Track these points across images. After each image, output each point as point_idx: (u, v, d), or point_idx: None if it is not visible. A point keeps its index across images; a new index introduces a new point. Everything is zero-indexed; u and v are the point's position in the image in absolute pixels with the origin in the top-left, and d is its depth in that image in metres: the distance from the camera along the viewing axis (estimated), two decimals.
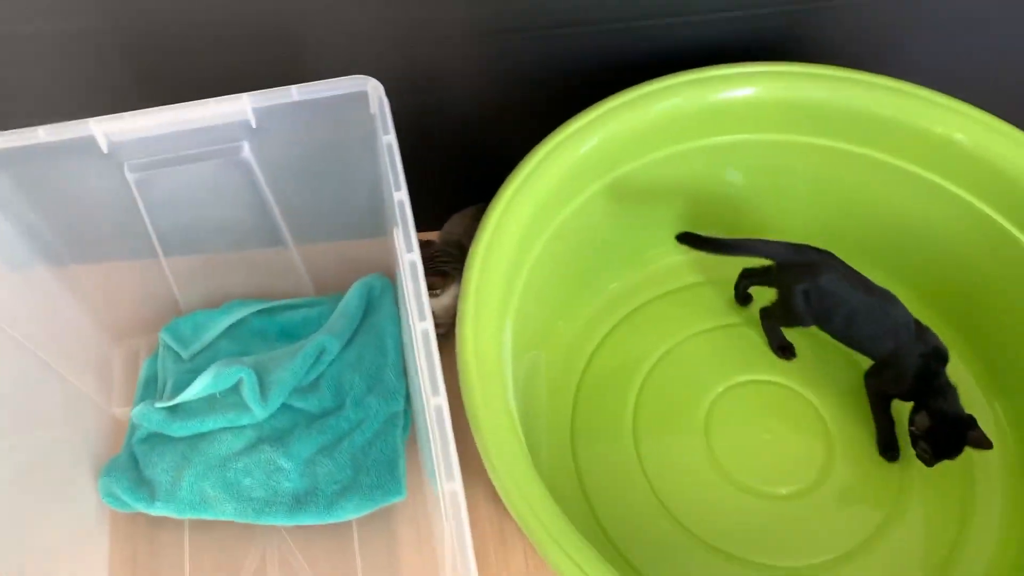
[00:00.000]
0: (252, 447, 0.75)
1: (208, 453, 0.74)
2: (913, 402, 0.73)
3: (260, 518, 0.72)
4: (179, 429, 0.75)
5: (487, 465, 0.59)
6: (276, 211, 0.76)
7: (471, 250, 0.67)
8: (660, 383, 0.81)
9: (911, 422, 0.72)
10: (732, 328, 0.84)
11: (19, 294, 0.72)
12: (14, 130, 0.65)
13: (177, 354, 0.80)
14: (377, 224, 0.79)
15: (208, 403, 0.76)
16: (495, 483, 0.58)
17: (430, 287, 0.77)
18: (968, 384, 0.79)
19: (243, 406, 0.75)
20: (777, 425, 0.79)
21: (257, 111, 0.67)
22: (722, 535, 0.74)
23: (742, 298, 0.84)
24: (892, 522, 0.74)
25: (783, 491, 0.76)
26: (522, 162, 0.70)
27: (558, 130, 0.71)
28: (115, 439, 0.79)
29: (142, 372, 0.82)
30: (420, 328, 0.56)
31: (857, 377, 0.79)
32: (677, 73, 0.74)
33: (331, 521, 0.73)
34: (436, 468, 0.53)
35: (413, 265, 0.59)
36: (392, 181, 0.63)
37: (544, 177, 0.70)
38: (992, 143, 0.71)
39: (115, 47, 0.73)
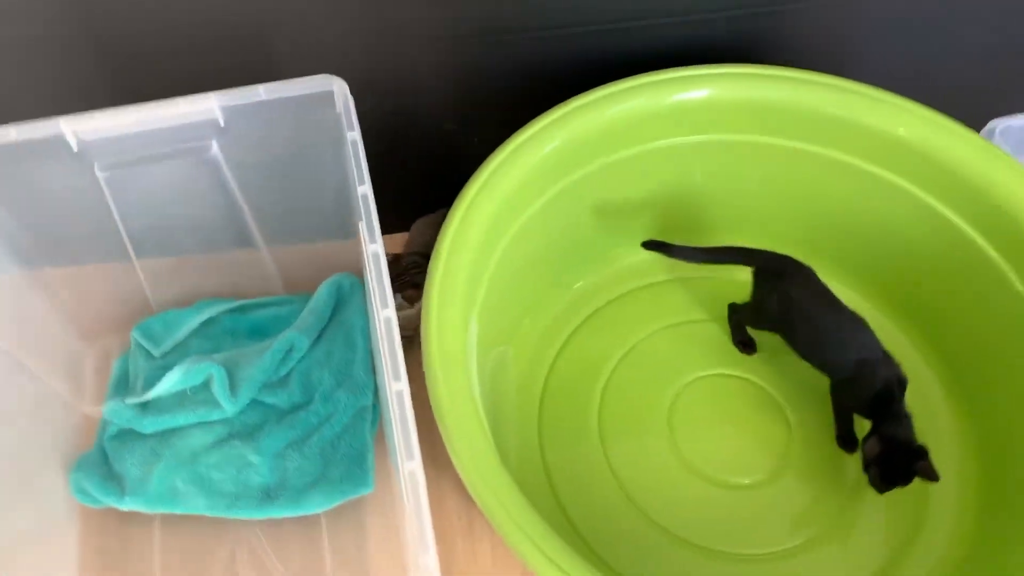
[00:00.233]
0: (222, 442, 0.76)
1: (179, 448, 0.75)
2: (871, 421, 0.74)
3: (230, 512, 0.73)
4: (150, 425, 0.76)
5: (450, 451, 0.60)
6: (245, 210, 0.77)
7: (436, 245, 0.68)
8: (625, 379, 0.83)
9: (862, 447, 0.72)
10: (695, 324, 0.86)
11: None
12: None
13: (148, 352, 0.81)
14: (346, 225, 0.80)
15: (179, 399, 0.77)
16: (458, 469, 0.60)
17: (408, 300, 0.79)
18: (920, 371, 0.81)
19: (213, 402, 0.76)
20: (739, 417, 0.81)
21: (225, 110, 0.68)
22: (689, 526, 0.75)
23: (743, 344, 0.84)
24: (852, 509, 0.76)
25: (746, 481, 0.77)
26: (486, 161, 0.72)
27: (521, 131, 0.73)
28: (86, 437, 0.80)
29: (113, 370, 0.83)
30: (383, 315, 0.57)
31: (814, 371, 0.81)
32: (636, 76, 0.76)
33: (300, 514, 0.74)
34: (396, 452, 0.54)
35: (376, 256, 0.60)
36: (356, 175, 0.64)
37: (508, 176, 0.72)
38: (935, 137, 0.74)
39: (84, 48, 0.74)
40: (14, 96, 0.77)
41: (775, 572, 0.73)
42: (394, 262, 0.81)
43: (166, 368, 0.78)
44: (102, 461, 0.76)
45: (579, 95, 0.74)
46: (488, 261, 0.73)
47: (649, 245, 0.82)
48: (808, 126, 0.77)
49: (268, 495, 0.74)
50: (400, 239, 0.88)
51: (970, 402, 0.80)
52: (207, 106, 0.68)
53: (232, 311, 0.84)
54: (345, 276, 0.84)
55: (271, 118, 0.70)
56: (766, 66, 0.76)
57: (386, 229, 0.65)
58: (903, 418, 0.72)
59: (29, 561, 0.70)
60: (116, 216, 0.74)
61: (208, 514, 0.74)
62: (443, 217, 0.71)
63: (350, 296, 0.84)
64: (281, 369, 0.79)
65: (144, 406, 0.77)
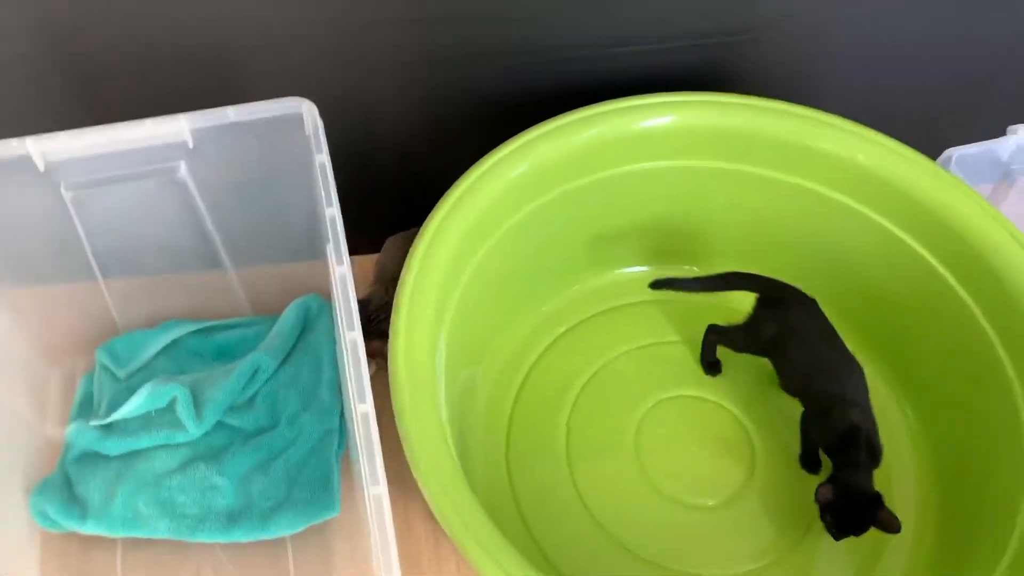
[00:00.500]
0: (187, 464, 0.75)
1: (142, 471, 0.74)
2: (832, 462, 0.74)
3: (194, 535, 0.73)
4: (113, 447, 0.75)
5: (415, 474, 0.60)
6: (213, 232, 0.77)
7: (405, 266, 0.69)
8: (593, 401, 0.84)
9: (816, 493, 0.72)
10: (661, 346, 0.87)
11: None
12: None
13: (113, 373, 0.81)
14: (314, 247, 0.80)
15: (143, 421, 0.76)
16: (424, 491, 0.60)
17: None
18: (879, 390, 0.82)
19: (178, 424, 0.76)
20: (704, 439, 0.82)
21: (194, 132, 0.68)
22: (656, 548, 0.75)
23: (711, 365, 0.84)
24: (814, 532, 0.77)
25: (710, 502, 0.78)
26: (455, 184, 0.72)
27: (489, 155, 0.74)
28: (49, 459, 0.79)
29: (78, 391, 0.82)
30: (348, 337, 0.58)
31: (777, 392, 0.83)
32: (602, 103, 0.77)
33: (265, 537, 0.73)
34: (363, 475, 0.55)
35: (343, 277, 0.61)
36: (324, 198, 0.65)
37: (476, 199, 0.73)
38: (893, 165, 0.76)
39: (53, 69, 0.74)
40: None
41: None
42: (363, 305, 0.81)
43: (131, 389, 0.78)
44: (64, 484, 0.75)
45: (546, 121, 0.76)
46: (456, 282, 0.73)
47: (656, 285, 0.83)
48: (770, 153, 0.79)
49: (233, 518, 0.73)
50: (369, 260, 0.88)
51: (928, 424, 0.82)
52: (176, 127, 0.68)
53: (198, 332, 0.84)
54: (313, 298, 0.84)
55: (240, 140, 0.70)
56: (729, 94, 0.78)
57: (354, 251, 0.65)
58: (861, 466, 0.71)
59: None
60: (82, 236, 0.73)
61: (172, 537, 0.73)
62: (411, 235, 0.72)
63: (317, 318, 0.84)
64: (247, 391, 0.79)
65: (108, 428, 0.76)
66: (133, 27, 0.73)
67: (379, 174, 0.85)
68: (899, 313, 0.82)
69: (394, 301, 0.68)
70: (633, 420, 0.82)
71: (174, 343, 0.83)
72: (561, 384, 0.84)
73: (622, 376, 0.85)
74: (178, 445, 0.76)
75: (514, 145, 0.74)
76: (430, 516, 0.73)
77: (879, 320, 0.83)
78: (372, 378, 0.58)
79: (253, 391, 0.79)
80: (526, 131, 0.75)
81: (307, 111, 0.69)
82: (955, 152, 0.80)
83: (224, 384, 0.77)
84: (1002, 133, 0.81)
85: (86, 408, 0.81)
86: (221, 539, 0.73)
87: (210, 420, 0.76)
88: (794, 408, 0.80)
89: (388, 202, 0.88)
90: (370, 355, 0.60)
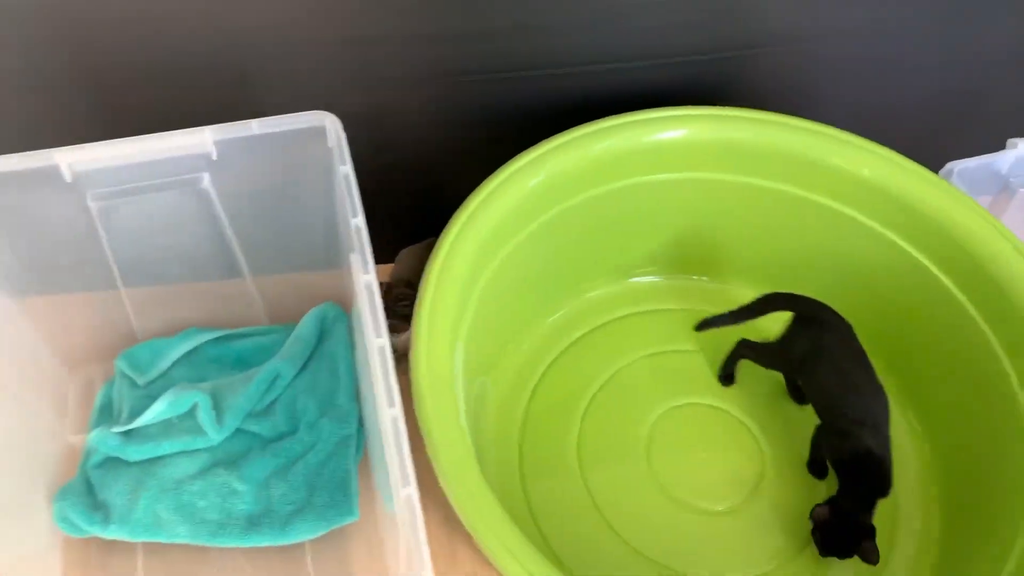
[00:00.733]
0: (207, 470, 0.76)
1: (163, 476, 0.75)
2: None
3: (214, 540, 0.74)
4: (134, 453, 0.76)
5: (439, 474, 0.62)
6: (233, 241, 0.78)
7: (425, 273, 0.70)
8: (603, 409, 0.85)
9: (812, 510, 0.73)
10: (671, 355, 0.89)
11: None
12: None
13: (133, 381, 0.82)
14: (331, 257, 0.82)
15: (164, 428, 0.77)
16: (447, 492, 0.61)
17: (396, 329, 0.78)
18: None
19: (198, 430, 0.77)
20: (714, 445, 0.84)
21: (218, 143, 0.70)
22: (669, 553, 0.77)
23: (727, 376, 0.86)
24: None
25: (721, 507, 0.80)
26: (473, 193, 0.74)
27: (507, 165, 0.76)
28: (69, 466, 0.80)
29: (98, 399, 0.83)
30: (376, 344, 0.59)
31: (786, 400, 0.85)
32: (618, 115, 0.79)
33: (285, 542, 0.74)
34: (392, 477, 0.56)
35: (369, 285, 0.62)
36: (350, 208, 0.66)
37: (493, 208, 0.75)
38: (897, 178, 0.78)
39: (73, 83, 0.76)
40: (9, 128, 0.78)
41: None
42: (386, 292, 0.83)
43: (150, 397, 0.79)
44: (86, 490, 0.76)
45: (560, 133, 0.77)
46: (473, 290, 0.75)
47: (702, 327, 0.85)
48: (778, 166, 0.81)
49: (253, 523, 0.74)
50: (384, 269, 0.90)
51: (931, 430, 0.84)
52: (201, 139, 0.69)
53: (217, 340, 0.85)
54: (329, 306, 0.86)
55: (263, 152, 0.71)
56: (739, 108, 0.80)
57: None
58: (864, 497, 0.72)
59: None
60: (106, 246, 0.75)
61: (192, 542, 0.74)
62: (429, 246, 0.73)
63: (333, 326, 0.85)
64: (266, 398, 0.80)
65: (129, 434, 0.77)
66: (154, 41, 0.74)
67: (394, 187, 0.87)
68: (902, 321, 0.84)
69: (415, 308, 0.69)
70: (644, 427, 0.84)
71: (193, 351, 0.84)
72: (573, 391, 0.86)
73: (633, 384, 0.87)
74: (198, 451, 0.77)
75: (530, 156, 0.76)
76: (444, 520, 0.74)
77: (883, 328, 0.84)
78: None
79: (272, 398, 0.80)
80: (541, 143, 0.77)
81: (330, 124, 0.70)
82: (956, 166, 0.82)
83: (244, 390, 0.78)
84: (1001, 146, 0.83)
85: (105, 415, 0.82)
86: (241, 544, 0.74)
87: (231, 426, 0.77)
88: (803, 417, 0.82)
89: (402, 214, 0.89)
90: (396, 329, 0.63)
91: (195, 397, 0.77)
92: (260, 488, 0.76)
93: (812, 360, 0.77)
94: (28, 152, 0.67)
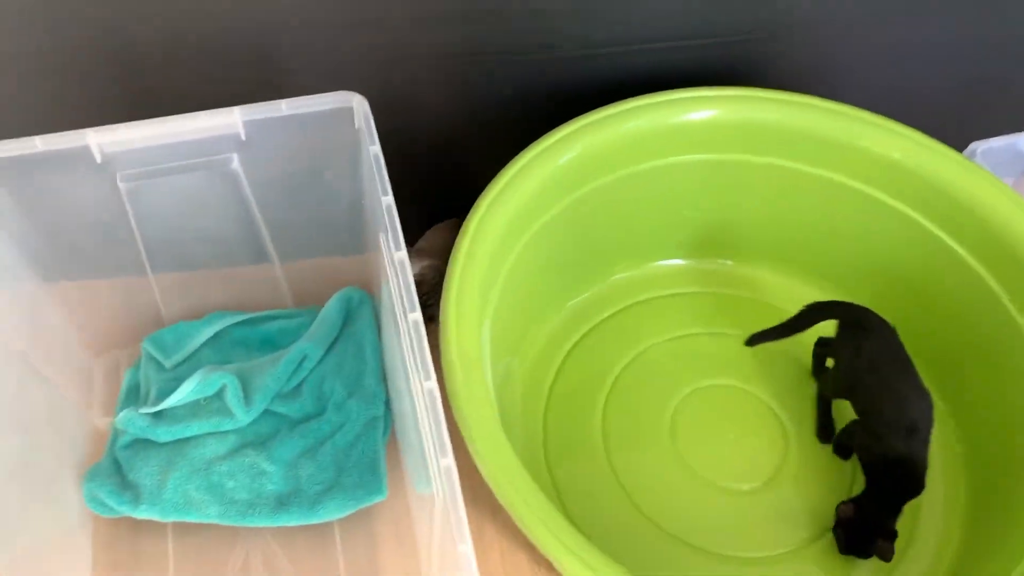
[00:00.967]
0: (235, 451, 0.76)
1: (192, 457, 0.76)
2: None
3: (244, 520, 0.74)
4: (163, 434, 0.76)
5: (469, 445, 0.62)
6: (261, 224, 0.79)
7: (453, 252, 0.71)
8: (627, 391, 0.85)
9: (838, 507, 0.74)
10: (693, 337, 0.89)
11: (6, 302, 0.73)
12: (10, 140, 0.67)
13: (160, 363, 0.82)
14: (356, 241, 0.83)
15: (192, 409, 0.78)
16: (477, 462, 0.62)
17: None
18: None
19: (226, 412, 0.77)
20: (738, 426, 0.84)
21: (247, 124, 0.70)
22: (696, 532, 0.77)
23: (818, 369, 0.85)
24: None
25: (746, 487, 0.80)
26: (502, 172, 0.74)
27: (535, 143, 0.76)
28: (96, 448, 0.80)
29: (124, 381, 0.83)
30: (411, 319, 0.59)
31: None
32: (646, 95, 0.79)
33: (314, 521, 0.74)
34: (427, 451, 0.56)
35: (402, 263, 0.62)
36: (380, 187, 0.66)
37: (521, 187, 0.75)
38: (926, 160, 0.78)
39: (100, 65, 0.76)
40: (36, 109, 0.78)
41: (777, 573, 0.76)
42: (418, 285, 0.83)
43: (177, 379, 0.79)
44: (115, 471, 0.76)
45: (592, 111, 0.78)
46: (500, 270, 0.75)
47: (752, 342, 0.84)
48: (806, 148, 0.81)
49: (282, 503, 0.75)
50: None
51: (958, 417, 0.83)
52: (230, 120, 0.70)
53: (243, 323, 0.85)
54: (354, 289, 0.86)
55: (291, 133, 0.72)
56: (767, 90, 0.80)
57: None
58: (891, 503, 0.72)
59: (44, 569, 0.70)
60: (135, 228, 0.75)
61: (221, 522, 0.74)
62: (454, 226, 0.73)
63: (359, 309, 0.85)
64: (293, 379, 0.80)
65: (158, 416, 0.78)
66: (179, 23, 0.74)
67: (418, 168, 0.87)
68: (929, 304, 0.83)
69: (443, 288, 0.69)
70: (669, 408, 0.84)
71: (219, 334, 0.84)
72: (597, 373, 0.86)
73: (657, 366, 0.87)
74: (227, 432, 0.78)
75: (560, 135, 0.76)
76: (471, 499, 0.74)
77: (909, 312, 0.84)
78: None
79: (299, 379, 0.81)
80: (570, 122, 0.77)
81: (357, 104, 0.71)
82: (979, 146, 0.83)
83: (272, 372, 0.78)
84: None
85: (132, 397, 0.82)
86: (270, 524, 0.74)
87: (259, 407, 0.78)
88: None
89: (425, 196, 0.90)
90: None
91: (223, 378, 0.77)
92: (289, 468, 0.76)
93: (854, 364, 0.77)
94: (59, 133, 0.67)
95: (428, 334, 0.59)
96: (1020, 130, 0.84)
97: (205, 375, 0.77)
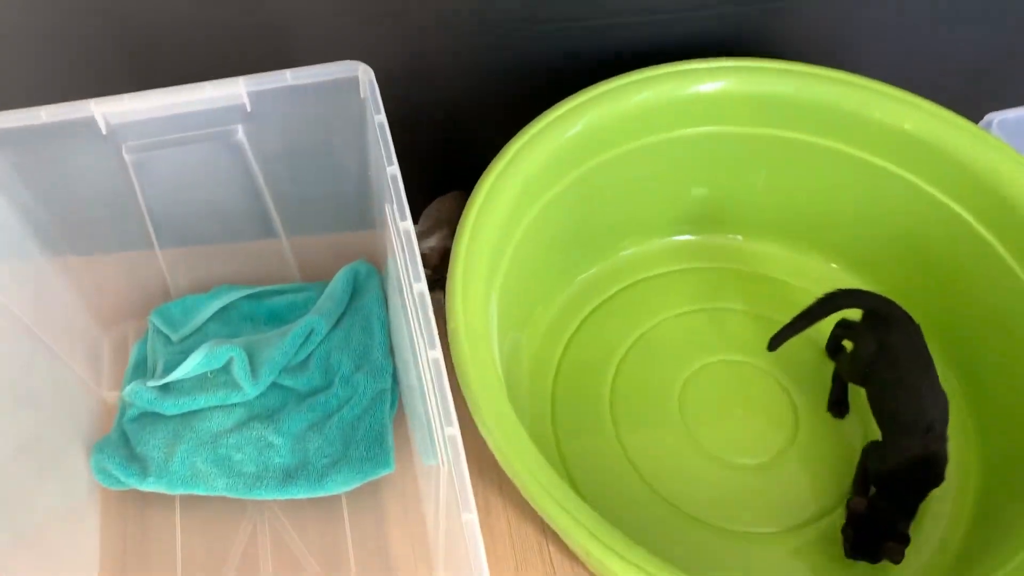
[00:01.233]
0: (243, 424, 0.77)
1: (199, 430, 0.76)
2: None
3: (251, 493, 0.74)
4: (171, 407, 0.76)
5: (475, 416, 0.62)
6: (267, 197, 0.78)
7: (459, 224, 0.70)
8: (636, 367, 0.85)
9: (848, 503, 0.72)
10: (701, 313, 0.88)
11: (14, 276, 0.73)
12: (14, 111, 0.67)
13: (167, 337, 0.82)
14: (363, 215, 0.82)
15: (199, 382, 0.78)
16: (483, 433, 0.61)
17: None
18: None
19: (234, 385, 0.77)
20: (747, 401, 0.83)
21: (252, 95, 0.69)
22: (706, 507, 0.76)
23: (833, 350, 0.83)
24: None
25: (754, 462, 0.79)
26: (509, 143, 0.74)
27: (544, 114, 0.75)
28: (105, 422, 0.81)
29: (132, 355, 0.83)
30: (416, 289, 0.59)
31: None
32: (657, 66, 0.78)
33: (321, 494, 0.74)
34: (433, 421, 0.56)
35: (407, 233, 0.62)
36: (385, 157, 0.66)
37: (529, 159, 0.74)
38: (940, 131, 0.76)
39: (104, 35, 0.76)
40: (41, 80, 0.78)
41: (786, 548, 0.75)
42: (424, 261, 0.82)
43: (184, 352, 0.79)
44: (123, 443, 0.76)
45: (599, 83, 0.77)
46: (507, 244, 0.74)
47: (773, 344, 0.79)
48: (817, 119, 0.80)
49: (289, 476, 0.75)
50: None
51: (972, 392, 0.82)
52: (235, 91, 0.69)
53: (250, 297, 0.85)
54: (361, 263, 0.86)
55: (296, 104, 0.71)
56: (778, 60, 0.79)
57: None
58: (906, 505, 0.70)
59: (53, 541, 0.70)
60: (141, 200, 0.75)
61: (229, 495, 0.74)
62: (457, 197, 0.73)
63: (366, 283, 0.85)
64: (301, 353, 0.80)
65: (165, 388, 0.78)
66: None
67: (424, 139, 0.86)
68: (943, 279, 0.82)
69: (450, 259, 0.69)
70: (678, 383, 0.83)
71: (226, 308, 0.84)
72: (605, 348, 0.86)
73: (666, 341, 0.86)
74: (234, 405, 0.78)
75: (567, 106, 0.75)
76: (477, 472, 0.74)
77: (922, 286, 0.83)
78: None
79: (307, 353, 0.81)
80: (578, 93, 0.76)
81: (363, 74, 0.70)
82: (996, 117, 0.81)
83: (279, 345, 0.78)
84: None
85: (140, 371, 0.82)
86: (278, 496, 0.74)
87: (265, 380, 0.77)
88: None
89: (432, 169, 0.89)
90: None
91: (230, 351, 0.77)
92: (296, 441, 0.76)
93: (874, 355, 0.74)
94: (64, 103, 0.67)
95: (437, 306, 0.59)
96: None
97: (212, 348, 0.77)
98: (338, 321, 0.82)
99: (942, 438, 0.71)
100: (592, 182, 0.80)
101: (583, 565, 0.73)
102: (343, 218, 0.84)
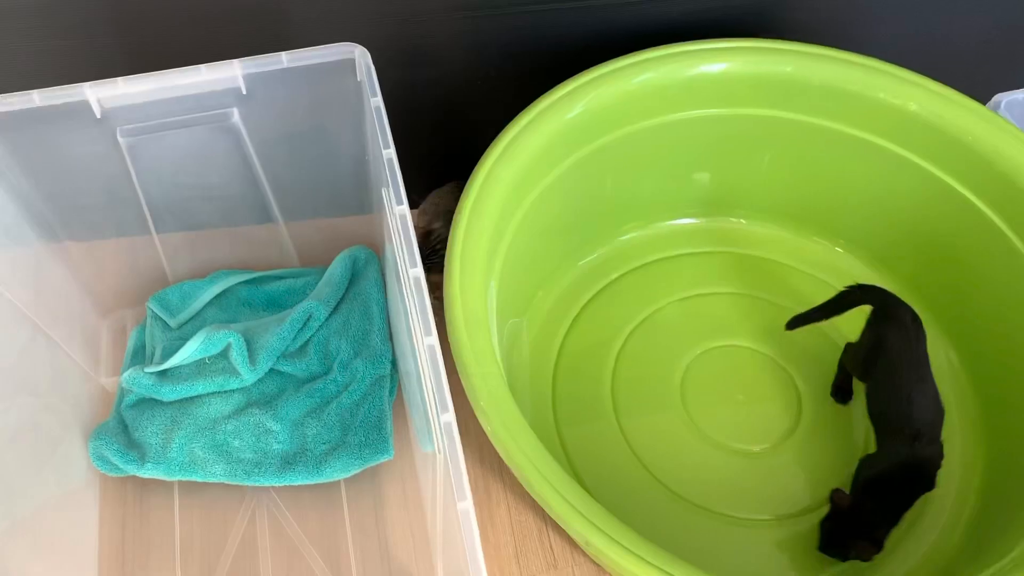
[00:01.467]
0: (241, 410, 0.76)
1: (198, 416, 0.75)
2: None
3: (249, 479, 0.74)
4: (169, 393, 0.76)
5: (473, 403, 0.61)
6: (264, 181, 0.78)
7: (457, 210, 0.69)
8: (637, 351, 0.84)
9: (832, 494, 0.71)
10: (704, 297, 0.88)
11: (11, 263, 0.73)
12: (8, 94, 0.66)
13: (165, 323, 0.82)
14: (361, 199, 0.82)
15: (197, 368, 0.77)
16: (481, 420, 0.61)
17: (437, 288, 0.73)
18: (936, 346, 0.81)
19: (232, 371, 0.77)
20: (749, 386, 0.82)
21: (247, 77, 0.69)
22: (705, 493, 0.76)
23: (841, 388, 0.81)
24: None
25: (756, 448, 0.79)
26: (508, 126, 0.72)
27: (543, 96, 0.74)
28: (103, 408, 0.80)
29: (130, 341, 0.83)
30: (412, 275, 0.58)
31: (823, 342, 0.83)
32: (658, 47, 0.77)
33: (320, 481, 0.74)
34: (429, 407, 0.55)
35: (403, 216, 0.61)
36: (381, 140, 0.65)
37: (528, 142, 0.73)
38: (946, 112, 0.75)
39: (100, 19, 0.75)
40: (35, 64, 0.77)
41: (787, 534, 0.75)
42: (423, 239, 0.82)
43: (183, 338, 0.79)
44: (121, 429, 0.76)
45: (600, 64, 0.75)
46: (506, 228, 0.74)
47: (792, 325, 0.79)
48: (821, 101, 0.78)
49: (288, 462, 0.74)
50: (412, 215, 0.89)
51: (973, 372, 0.82)
52: (230, 73, 0.68)
53: (248, 282, 0.85)
54: (360, 248, 0.85)
55: (292, 86, 0.70)
56: (781, 40, 0.77)
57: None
58: (887, 515, 0.69)
59: (51, 527, 0.70)
60: (136, 185, 0.74)
61: (227, 481, 0.74)
62: (457, 188, 0.72)
63: (365, 268, 0.84)
64: (299, 338, 0.80)
65: (163, 375, 0.77)
66: None
67: (423, 124, 0.85)
68: (947, 260, 0.81)
69: (448, 245, 0.68)
70: (679, 369, 0.83)
71: (224, 293, 0.84)
72: (607, 333, 0.85)
73: (668, 326, 0.86)
74: (232, 391, 0.77)
75: (567, 88, 0.74)
76: (476, 459, 0.74)
77: (925, 267, 0.83)
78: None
79: (305, 339, 0.80)
80: (578, 75, 0.75)
81: (360, 56, 0.69)
82: (1004, 97, 0.80)
83: (277, 331, 0.77)
84: None
85: (138, 358, 0.82)
86: (276, 483, 0.74)
87: (263, 366, 0.77)
88: (838, 357, 0.80)
89: (430, 155, 0.88)
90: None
91: (228, 337, 0.76)
92: (294, 427, 0.76)
93: (874, 352, 0.74)
94: (58, 87, 0.66)
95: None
96: None
97: (210, 333, 0.77)
98: (337, 306, 0.82)
99: (932, 445, 0.70)
100: (593, 165, 0.79)
101: (583, 551, 0.73)
102: (341, 202, 0.83)
